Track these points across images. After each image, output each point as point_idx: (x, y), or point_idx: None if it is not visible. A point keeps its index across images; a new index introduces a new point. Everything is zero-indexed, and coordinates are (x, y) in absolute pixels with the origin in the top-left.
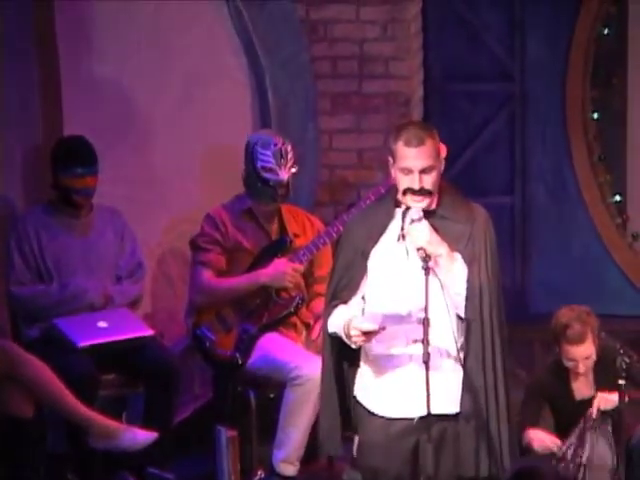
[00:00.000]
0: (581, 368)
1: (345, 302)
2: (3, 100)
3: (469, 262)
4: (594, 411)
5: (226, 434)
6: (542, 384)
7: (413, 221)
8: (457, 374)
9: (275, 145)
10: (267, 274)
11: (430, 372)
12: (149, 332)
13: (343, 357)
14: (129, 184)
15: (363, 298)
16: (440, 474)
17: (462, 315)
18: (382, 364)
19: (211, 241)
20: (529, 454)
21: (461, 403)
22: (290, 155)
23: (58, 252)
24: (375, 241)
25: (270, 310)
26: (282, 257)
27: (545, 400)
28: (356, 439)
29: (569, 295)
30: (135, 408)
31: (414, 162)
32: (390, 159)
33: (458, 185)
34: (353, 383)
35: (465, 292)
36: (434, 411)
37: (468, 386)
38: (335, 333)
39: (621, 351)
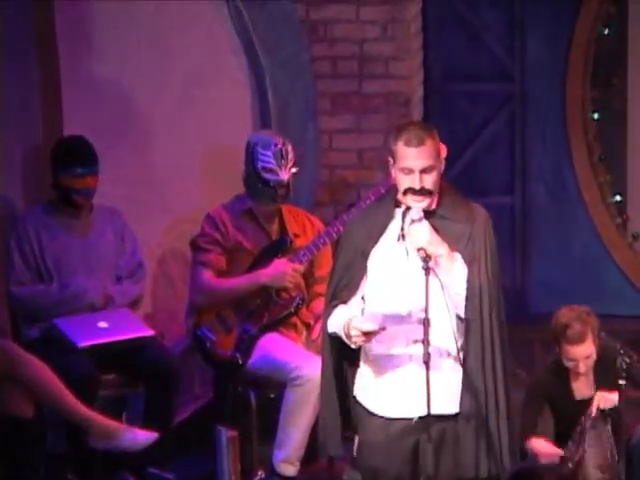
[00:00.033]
0: (581, 368)
1: (345, 302)
2: (3, 100)
3: (469, 262)
4: (593, 410)
5: (226, 434)
6: (542, 384)
7: (413, 221)
8: (457, 374)
9: (275, 145)
10: (267, 274)
11: (430, 372)
12: (149, 332)
13: (343, 357)
14: (129, 184)
15: (363, 298)
16: (440, 474)
17: (462, 315)
18: (382, 364)
19: (211, 241)
20: (532, 460)
21: (461, 403)
22: (290, 155)
23: (58, 252)
24: (375, 241)
25: (270, 310)
26: (282, 257)
27: (545, 400)
28: (356, 439)
29: (569, 295)
30: (135, 408)
31: (414, 162)
32: (390, 159)
33: (458, 185)
34: (353, 383)
35: (465, 292)
36: (434, 411)
37: (468, 386)
38: (335, 333)
39: (621, 351)
